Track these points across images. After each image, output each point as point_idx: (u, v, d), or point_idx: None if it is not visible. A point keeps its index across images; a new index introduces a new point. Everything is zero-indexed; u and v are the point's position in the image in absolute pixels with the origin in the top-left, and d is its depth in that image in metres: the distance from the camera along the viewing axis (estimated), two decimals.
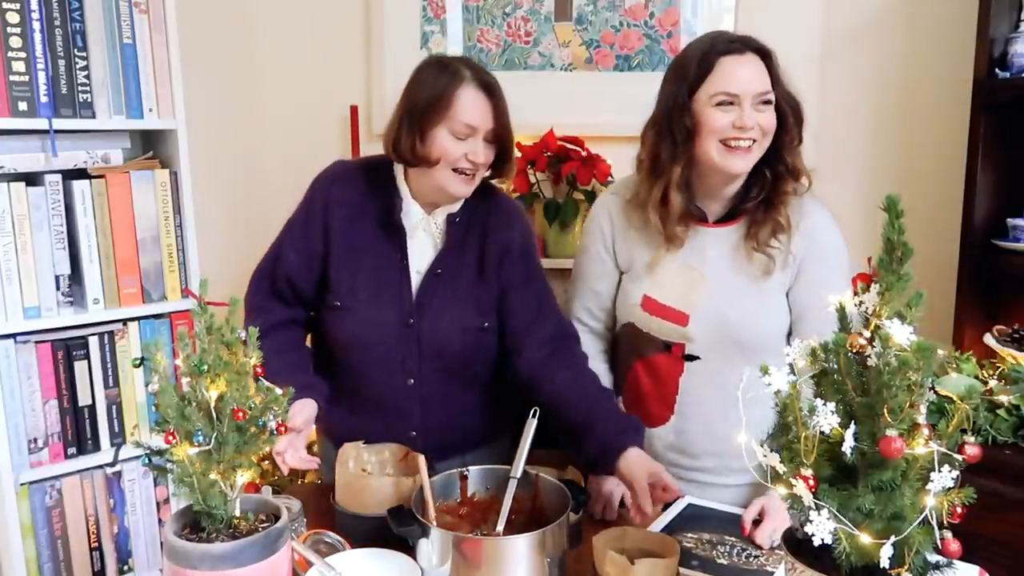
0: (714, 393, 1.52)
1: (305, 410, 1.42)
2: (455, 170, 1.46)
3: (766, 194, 1.48)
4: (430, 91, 1.45)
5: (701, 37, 1.50)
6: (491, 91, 1.46)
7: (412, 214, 1.55)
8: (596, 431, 1.42)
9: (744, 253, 1.50)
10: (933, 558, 0.87)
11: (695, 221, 1.53)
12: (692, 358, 1.53)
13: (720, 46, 1.43)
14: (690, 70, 1.44)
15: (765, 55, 1.43)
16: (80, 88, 1.83)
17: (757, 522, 1.38)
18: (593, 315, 1.66)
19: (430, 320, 1.53)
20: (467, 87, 1.44)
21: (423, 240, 1.56)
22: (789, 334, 1.53)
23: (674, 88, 1.47)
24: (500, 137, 1.49)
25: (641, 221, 1.54)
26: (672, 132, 1.46)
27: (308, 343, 1.67)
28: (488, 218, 1.58)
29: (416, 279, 1.55)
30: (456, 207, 1.56)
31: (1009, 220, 2.05)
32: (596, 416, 1.44)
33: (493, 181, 1.61)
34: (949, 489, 0.83)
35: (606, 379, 1.64)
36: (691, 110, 1.44)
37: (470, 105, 1.44)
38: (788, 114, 1.44)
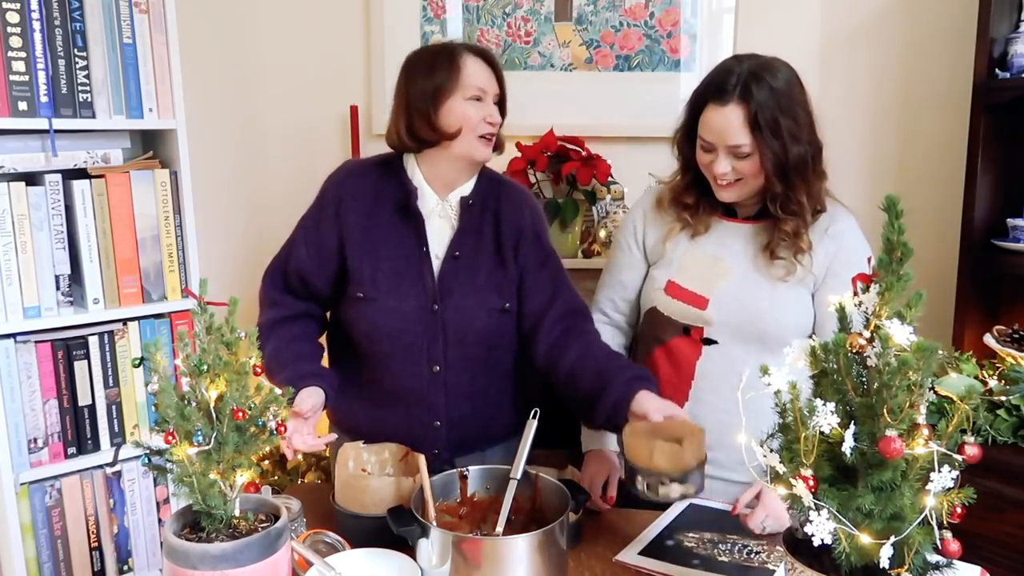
0: (730, 380, 1.53)
1: (313, 396, 1.43)
2: (479, 136, 1.51)
3: (782, 220, 1.50)
4: (434, 72, 1.50)
5: (719, 65, 1.51)
6: (489, 58, 1.53)
7: (427, 200, 1.57)
8: (608, 389, 1.41)
9: (765, 257, 1.53)
10: (933, 558, 0.87)
11: (722, 216, 1.58)
12: (710, 342, 1.55)
13: (711, 90, 1.47)
14: (689, 108, 1.53)
15: (749, 101, 1.41)
16: (80, 88, 1.83)
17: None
18: (616, 307, 1.69)
19: (454, 304, 1.55)
20: (467, 56, 1.51)
21: (440, 225, 1.58)
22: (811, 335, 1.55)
23: (685, 114, 1.55)
24: (502, 102, 1.55)
25: (671, 213, 1.61)
26: (683, 146, 1.57)
27: (324, 339, 1.67)
28: (499, 203, 1.60)
29: (436, 264, 1.56)
30: (468, 189, 1.59)
31: (1009, 220, 2.05)
32: (608, 376, 1.43)
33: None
34: (949, 489, 0.83)
35: None
36: (693, 136, 1.52)
37: (477, 70, 1.50)
38: (778, 164, 1.44)
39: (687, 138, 1.54)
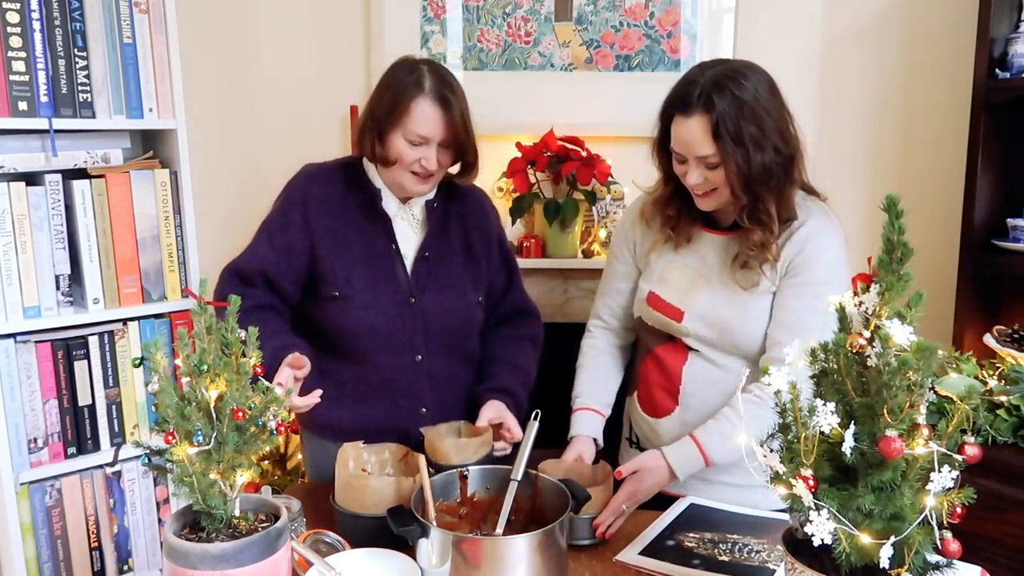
0: (714, 387, 1.54)
1: (304, 357, 1.45)
2: (412, 172, 1.56)
3: (750, 230, 1.47)
4: (390, 97, 1.53)
5: (684, 76, 1.47)
6: (446, 103, 1.53)
7: (390, 203, 1.63)
8: (480, 384, 1.67)
9: (736, 266, 1.51)
10: (933, 558, 0.87)
11: (704, 226, 1.57)
12: (693, 349, 1.57)
13: (676, 102, 1.44)
14: (659, 120, 1.50)
15: (711, 112, 1.38)
16: (80, 88, 1.83)
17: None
18: (615, 313, 1.71)
19: (432, 296, 1.62)
20: (422, 99, 1.52)
21: (404, 228, 1.64)
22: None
23: (657, 126, 1.52)
24: (456, 144, 1.56)
25: (655, 225, 1.60)
26: (660, 156, 1.55)
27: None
28: (462, 207, 1.69)
29: (408, 263, 1.63)
30: (432, 195, 1.65)
31: (1009, 220, 2.05)
32: (490, 371, 1.68)
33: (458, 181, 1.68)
34: (949, 489, 0.83)
35: (613, 374, 1.71)
36: (667, 147, 1.50)
37: (423, 117, 1.52)
38: (743, 175, 1.40)
39: (662, 149, 1.52)
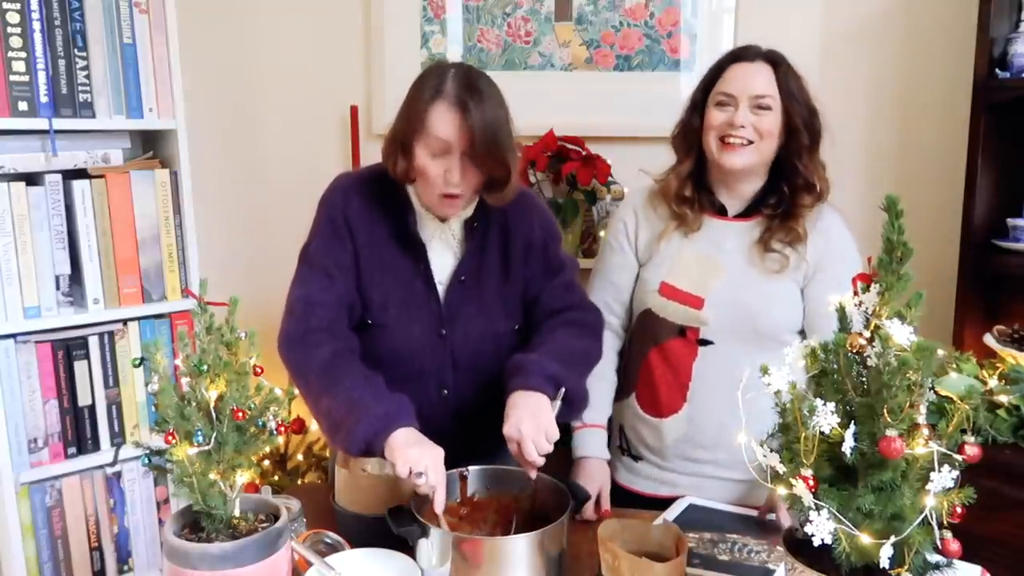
0: (727, 380, 1.51)
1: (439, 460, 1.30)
2: (441, 194, 1.42)
3: (784, 206, 1.55)
4: (413, 107, 1.41)
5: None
6: (464, 107, 1.37)
7: (427, 225, 1.52)
8: (508, 368, 1.44)
9: (759, 250, 1.54)
10: (933, 558, 0.87)
11: (714, 214, 1.59)
12: (706, 343, 1.55)
13: (735, 54, 1.56)
14: (708, 76, 1.58)
15: (776, 65, 1.52)
16: (80, 88, 1.83)
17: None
18: (611, 309, 1.67)
19: (461, 330, 1.52)
20: (440, 104, 1.38)
21: (441, 250, 1.53)
22: (802, 331, 1.56)
23: (696, 89, 1.61)
24: (477, 153, 1.39)
25: (665, 211, 1.62)
26: (688, 127, 1.59)
27: None
28: (505, 214, 1.54)
29: (440, 290, 1.53)
30: (471, 211, 1.53)
31: (1009, 220, 2.05)
32: (522, 360, 1.44)
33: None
34: (949, 489, 0.83)
35: (612, 380, 1.67)
36: (702, 110, 1.57)
37: (439, 122, 1.38)
38: (798, 124, 1.52)
39: (691, 121, 1.58)
